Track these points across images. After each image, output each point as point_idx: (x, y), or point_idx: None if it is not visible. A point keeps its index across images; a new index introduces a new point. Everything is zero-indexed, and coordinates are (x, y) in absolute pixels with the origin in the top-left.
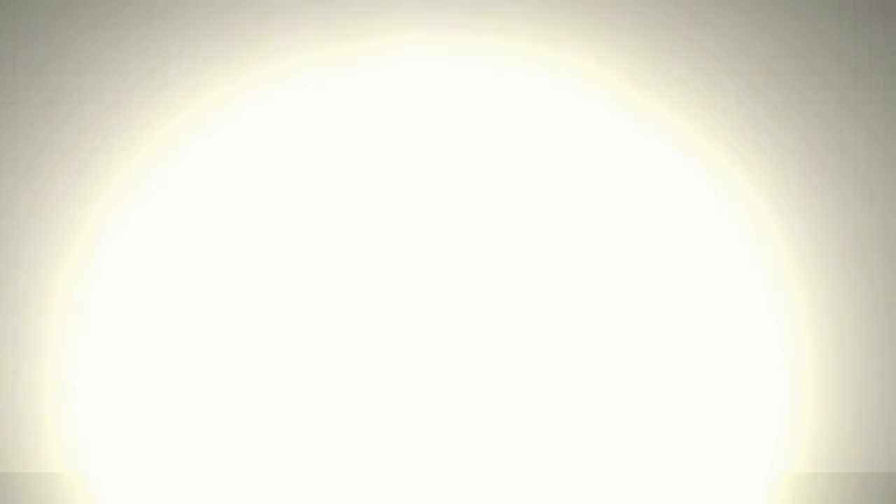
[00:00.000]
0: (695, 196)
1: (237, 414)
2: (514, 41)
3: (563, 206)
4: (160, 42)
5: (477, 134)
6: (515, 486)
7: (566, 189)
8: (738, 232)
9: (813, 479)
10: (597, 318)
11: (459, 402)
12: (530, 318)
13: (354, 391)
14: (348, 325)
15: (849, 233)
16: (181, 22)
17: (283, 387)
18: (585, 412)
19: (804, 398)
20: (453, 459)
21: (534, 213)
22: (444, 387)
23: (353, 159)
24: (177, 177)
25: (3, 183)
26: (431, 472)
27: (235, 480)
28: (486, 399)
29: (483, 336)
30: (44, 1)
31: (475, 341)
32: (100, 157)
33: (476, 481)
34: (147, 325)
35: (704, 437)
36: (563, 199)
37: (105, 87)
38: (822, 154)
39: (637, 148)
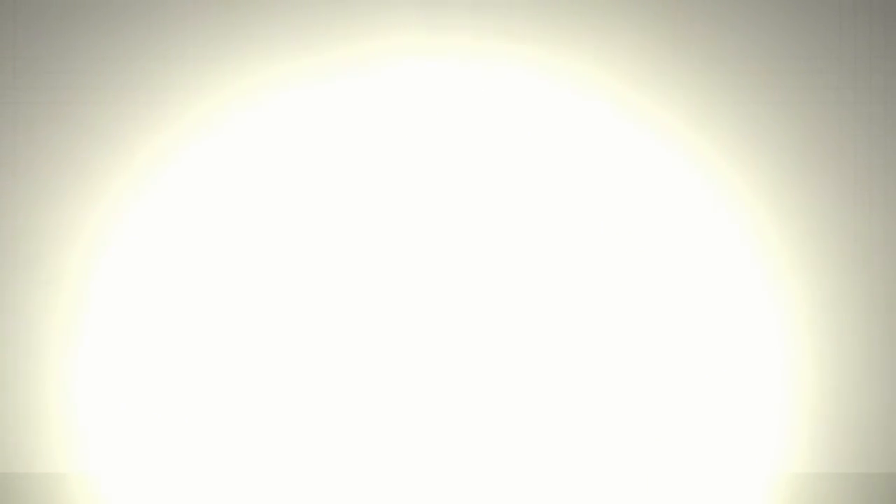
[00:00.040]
0: (694, 196)
1: (239, 414)
2: (514, 43)
3: (564, 206)
4: (161, 43)
5: (476, 135)
6: (515, 486)
7: (566, 190)
8: (738, 232)
9: (812, 480)
10: (597, 319)
11: (459, 402)
12: (531, 318)
13: (355, 391)
14: (349, 324)
15: (848, 233)
16: (182, 22)
17: (285, 386)
18: (586, 412)
19: (803, 398)
20: (453, 459)
21: (534, 214)
22: (444, 386)
23: (354, 161)
24: (177, 178)
25: (3, 183)
26: (431, 472)
27: (237, 480)
28: (486, 399)
29: (483, 336)
30: (44, 1)
31: (475, 342)
32: (100, 158)
33: (476, 481)
34: (150, 326)
35: (704, 438)
36: (563, 200)
37: (105, 88)
38: (821, 154)
39: (636, 148)
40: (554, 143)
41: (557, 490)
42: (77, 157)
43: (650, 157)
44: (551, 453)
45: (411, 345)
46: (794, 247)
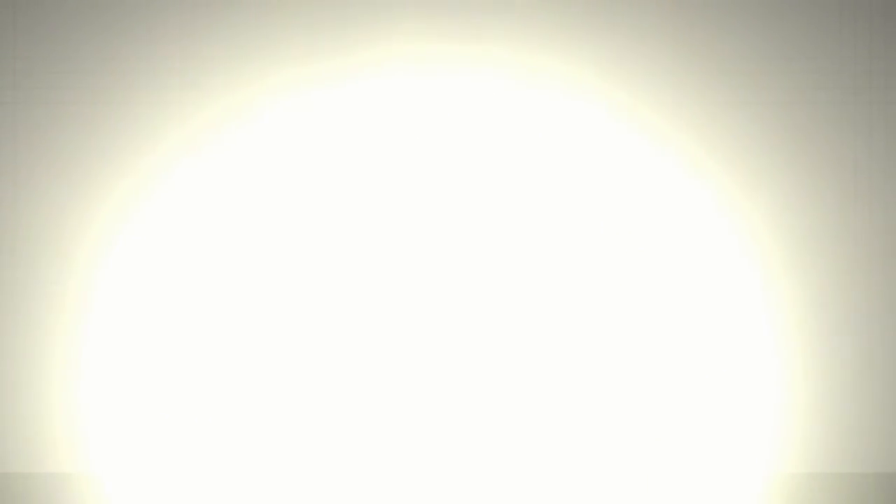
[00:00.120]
0: (693, 198)
1: (242, 414)
2: (509, 49)
3: (559, 209)
4: (163, 43)
5: (473, 140)
6: (515, 487)
7: (561, 193)
8: (737, 233)
9: (806, 480)
10: (593, 321)
11: (459, 403)
12: (529, 321)
13: (357, 392)
14: (350, 328)
15: (848, 233)
16: (183, 23)
17: (288, 387)
18: (582, 413)
19: (798, 398)
20: (453, 459)
21: (530, 217)
22: (444, 387)
23: (353, 165)
24: (179, 180)
25: (3, 183)
26: (431, 472)
27: (240, 480)
28: (485, 399)
29: (483, 337)
30: (45, 0)
31: (475, 342)
32: (102, 158)
33: (476, 481)
34: (153, 326)
35: (700, 438)
36: (558, 203)
37: (106, 88)
38: (821, 154)
39: (633, 150)
40: (549, 147)
41: (555, 489)
42: (78, 158)
43: (646, 158)
44: (547, 453)
45: (411, 346)
46: (793, 247)
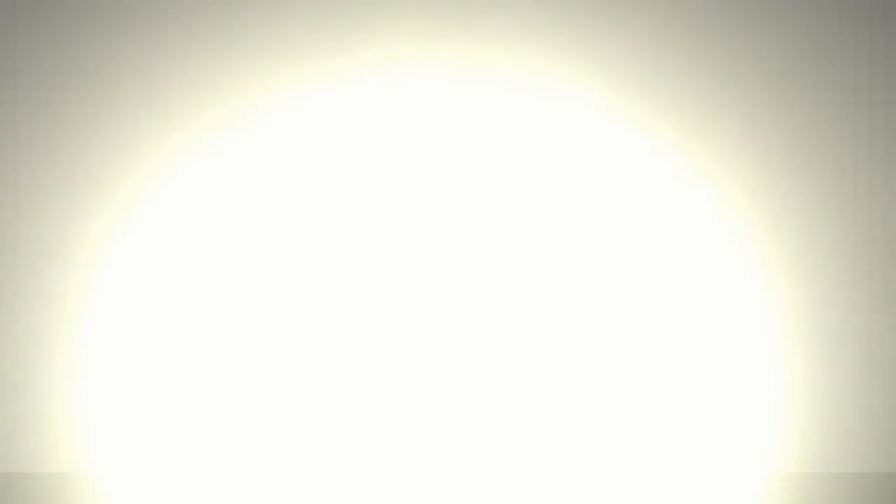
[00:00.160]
0: (692, 198)
1: (245, 415)
2: (509, 51)
3: (559, 212)
4: (164, 43)
5: (473, 142)
6: (513, 487)
7: (560, 193)
8: (736, 233)
9: (809, 480)
10: (592, 321)
11: (458, 403)
12: (527, 321)
13: (360, 393)
14: (352, 328)
15: (848, 233)
16: (184, 24)
17: (291, 388)
18: (580, 413)
19: (796, 398)
20: (452, 459)
21: (531, 220)
22: (443, 388)
23: (353, 167)
24: (180, 179)
25: (4, 183)
26: (431, 472)
27: (241, 481)
28: (483, 399)
29: (481, 338)
30: (45, 1)
31: (474, 343)
32: (102, 159)
33: (475, 481)
34: (156, 326)
35: (699, 438)
36: (558, 205)
37: (106, 88)
38: (821, 154)
39: (632, 151)
40: (549, 150)
41: (552, 489)
42: (79, 159)
43: (646, 158)
44: (546, 453)
45: (412, 347)
46: (792, 247)
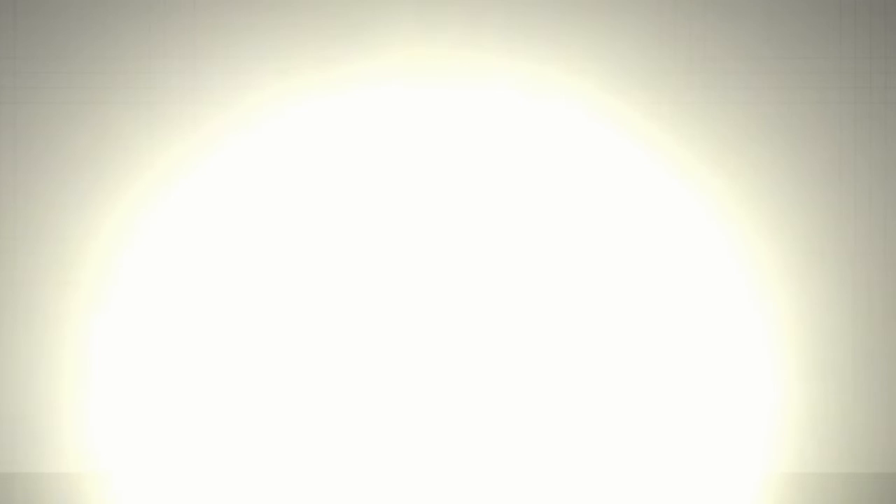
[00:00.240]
0: (691, 199)
1: (249, 414)
2: (511, 58)
3: (557, 217)
4: (165, 43)
5: (471, 147)
6: (511, 486)
7: (560, 200)
8: (734, 234)
9: (809, 480)
10: (590, 323)
11: (457, 403)
12: (526, 323)
13: (362, 394)
14: (356, 331)
15: (847, 233)
16: (185, 25)
17: (294, 388)
18: (579, 414)
19: (792, 399)
20: (452, 459)
21: (530, 226)
22: (443, 389)
23: (355, 173)
24: (180, 179)
25: (4, 184)
26: (430, 472)
27: (247, 480)
28: (481, 399)
29: (480, 339)
30: (45, 1)
31: (474, 345)
32: (103, 159)
33: (474, 481)
34: (162, 326)
35: (698, 438)
36: (556, 211)
37: (107, 88)
38: (821, 154)
39: (630, 152)
40: (547, 155)
41: (549, 489)
42: (79, 159)
43: (644, 162)
44: (545, 453)
45: (413, 349)
46: (791, 247)
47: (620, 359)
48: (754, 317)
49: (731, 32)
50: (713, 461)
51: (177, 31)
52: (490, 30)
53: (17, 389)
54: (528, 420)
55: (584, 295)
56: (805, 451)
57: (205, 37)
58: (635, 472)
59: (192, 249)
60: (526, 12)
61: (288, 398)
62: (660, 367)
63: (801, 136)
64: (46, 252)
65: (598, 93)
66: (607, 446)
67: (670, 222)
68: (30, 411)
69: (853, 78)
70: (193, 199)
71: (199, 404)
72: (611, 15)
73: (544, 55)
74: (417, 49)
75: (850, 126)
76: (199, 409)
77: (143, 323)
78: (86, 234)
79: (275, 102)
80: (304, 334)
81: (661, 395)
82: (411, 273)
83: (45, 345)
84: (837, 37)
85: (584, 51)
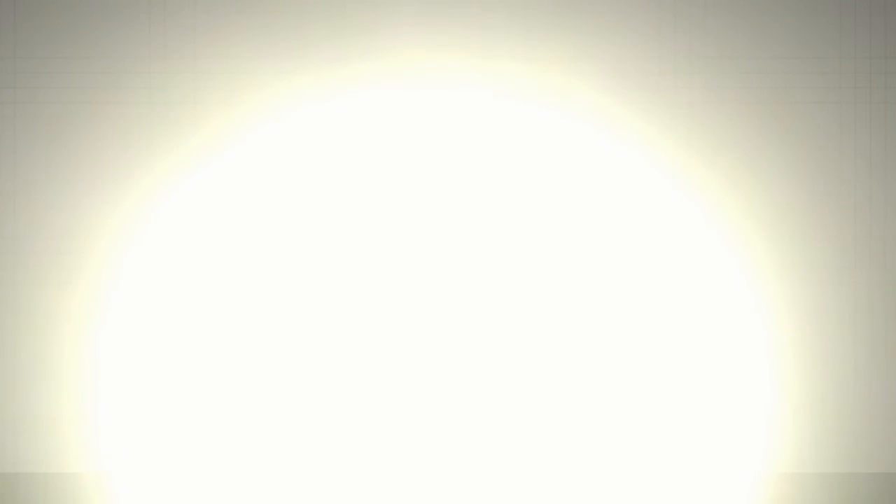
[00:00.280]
0: (691, 199)
1: (251, 414)
2: (512, 62)
3: (556, 218)
4: (166, 44)
5: (470, 148)
6: (509, 486)
7: (559, 202)
8: (734, 233)
9: (809, 480)
10: (588, 323)
11: (457, 404)
12: (524, 323)
13: (362, 394)
14: (358, 332)
15: (847, 233)
16: (187, 24)
17: (296, 389)
18: (578, 414)
19: (789, 399)
20: (451, 459)
21: (529, 226)
22: (442, 389)
23: (356, 174)
24: (181, 179)
25: (3, 184)
26: (430, 473)
27: (249, 479)
28: (479, 399)
29: (480, 340)
30: (46, 1)
31: (473, 346)
32: (103, 159)
33: (473, 481)
34: (164, 327)
35: (697, 439)
36: (555, 212)
37: (107, 88)
38: (821, 155)
39: (629, 153)
40: (545, 156)
41: (549, 488)
42: (79, 159)
43: (644, 162)
44: (543, 452)
45: (414, 351)
46: (790, 247)
47: (619, 358)
48: (752, 317)
49: (731, 32)
50: (711, 461)
51: (177, 31)
52: (490, 32)
53: (19, 389)
54: (528, 420)
55: (583, 295)
56: (803, 451)
57: (205, 37)
58: (634, 471)
59: (192, 250)
60: (526, 14)
61: (288, 398)
62: (658, 366)
63: (801, 137)
64: (47, 252)
65: (598, 93)
66: (606, 446)
67: (669, 223)
68: (31, 411)
69: (853, 78)
70: (194, 199)
71: (200, 405)
72: (610, 15)
73: (543, 56)
74: (417, 51)
75: (850, 126)
76: (200, 409)
77: (144, 323)
78: (86, 234)
79: (275, 103)
80: (305, 335)
81: (660, 395)
82: (411, 273)
83: (47, 345)
84: (837, 37)
85: (583, 51)
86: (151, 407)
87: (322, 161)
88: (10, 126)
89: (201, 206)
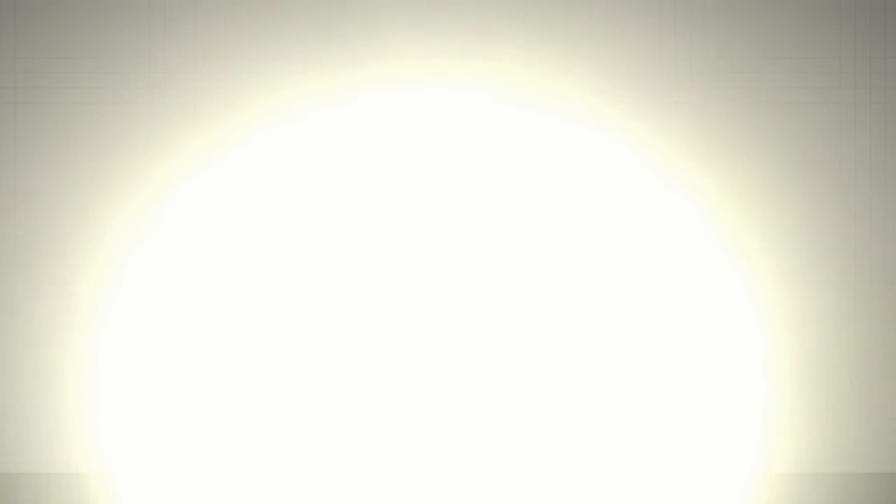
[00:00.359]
0: (690, 199)
1: (253, 415)
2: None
3: (555, 221)
4: (166, 44)
5: (469, 150)
6: (507, 486)
7: (557, 204)
8: (732, 235)
9: (808, 480)
10: (585, 324)
11: (456, 404)
12: (523, 326)
13: (362, 395)
14: (359, 335)
15: (847, 234)
16: (188, 24)
17: (298, 390)
18: (575, 414)
19: (787, 399)
20: (451, 460)
21: (527, 229)
22: (442, 389)
23: (356, 179)
24: (181, 179)
25: (3, 184)
26: (430, 473)
27: (251, 479)
28: (478, 399)
29: (479, 340)
30: (46, 1)
31: (473, 346)
32: (103, 159)
33: (472, 481)
34: (166, 327)
35: (692, 438)
36: (554, 214)
37: (108, 89)
38: (820, 156)
39: (628, 153)
40: (543, 160)
41: (548, 488)
42: (79, 159)
43: (643, 163)
44: (540, 452)
45: (414, 352)
46: (789, 248)
47: (616, 359)
48: (749, 317)
49: (730, 32)
50: (708, 461)
51: (177, 32)
52: (489, 36)
53: (22, 389)
54: (526, 420)
55: (580, 296)
56: (800, 450)
57: (205, 37)
58: (631, 472)
59: (193, 251)
60: (525, 16)
61: (289, 399)
62: (655, 367)
63: (801, 137)
64: (47, 252)
65: (597, 95)
66: (604, 446)
67: (667, 224)
68: (35, 411)
69: (853, 78)
70: (195, 199)
71: (201, 405)
72: (609, 17)
73: (543, 57)
74: (415, 55)
75: (850, 127)
76: (202, 410)
77: (147, 324)
78: (87, 234)
79: (275, 104)
80: (305, 337)
81: (657, 395)
82: (410, 275)
83: (49, 345)
84: (837, 37)
85: (582, 53)
86: (155, 407)
87: (322, 162)
88: (11, 126)
89: (203, 207)
